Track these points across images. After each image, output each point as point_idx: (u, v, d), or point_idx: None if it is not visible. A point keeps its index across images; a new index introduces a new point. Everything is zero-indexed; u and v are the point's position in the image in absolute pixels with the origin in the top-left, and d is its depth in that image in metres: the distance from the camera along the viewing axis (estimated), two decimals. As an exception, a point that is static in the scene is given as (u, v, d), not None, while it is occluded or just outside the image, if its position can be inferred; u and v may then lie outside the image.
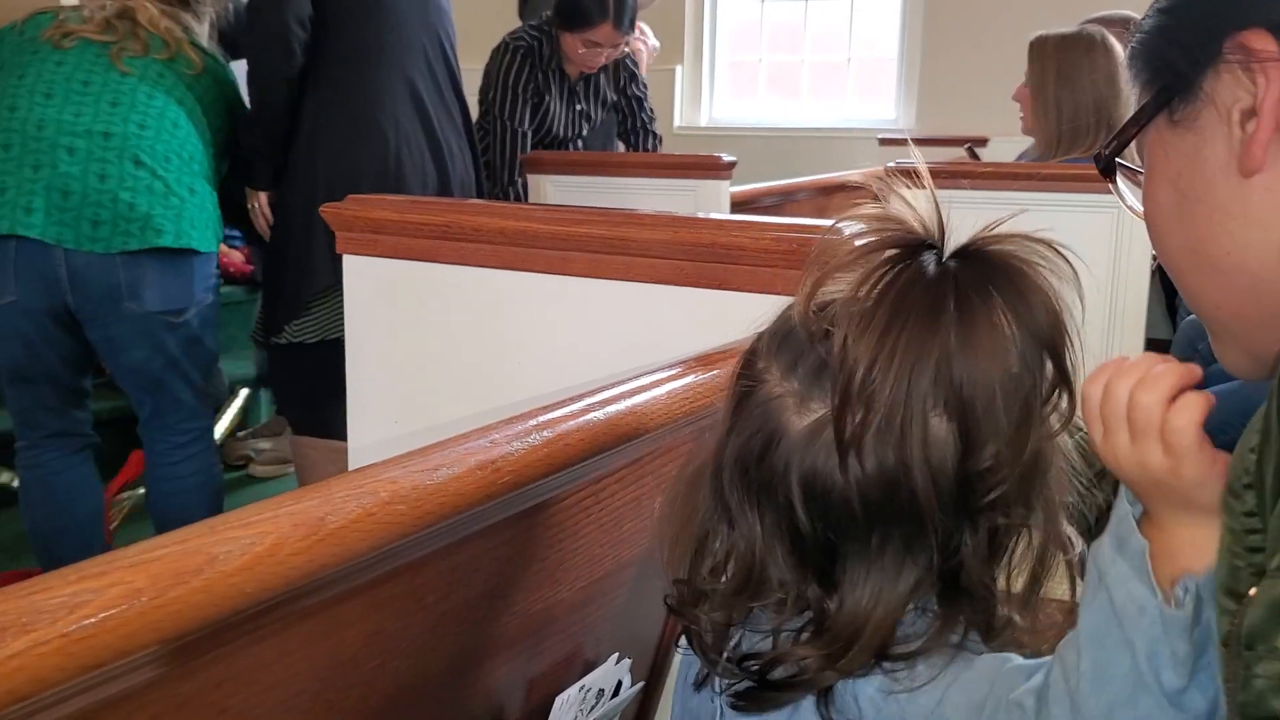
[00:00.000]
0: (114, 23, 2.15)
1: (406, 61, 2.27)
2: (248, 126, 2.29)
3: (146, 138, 2.08)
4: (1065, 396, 0.69)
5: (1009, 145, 3.95)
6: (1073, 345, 0.69)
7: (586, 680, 1.01)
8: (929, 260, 0.68)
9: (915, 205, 0.71)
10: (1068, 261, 0.69)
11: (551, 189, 3.04)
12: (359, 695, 0.76)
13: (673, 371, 0.96)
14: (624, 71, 3.34)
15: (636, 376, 0.93)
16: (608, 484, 0.94)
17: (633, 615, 1.11)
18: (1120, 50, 2.64)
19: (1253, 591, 0.57)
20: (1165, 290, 4.17)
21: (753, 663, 0.74)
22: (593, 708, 1.02)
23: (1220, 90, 0.68)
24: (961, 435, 0.67)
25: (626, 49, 3.20)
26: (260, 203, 2.37)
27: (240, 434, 3.51)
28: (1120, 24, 3.16)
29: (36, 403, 2.18)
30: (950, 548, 0.70)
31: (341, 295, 1.29)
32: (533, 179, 3.07)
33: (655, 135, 3.48)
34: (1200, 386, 2.22)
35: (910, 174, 0.73)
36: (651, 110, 3.48)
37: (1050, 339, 0.68)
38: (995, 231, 0.70)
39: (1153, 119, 0.73)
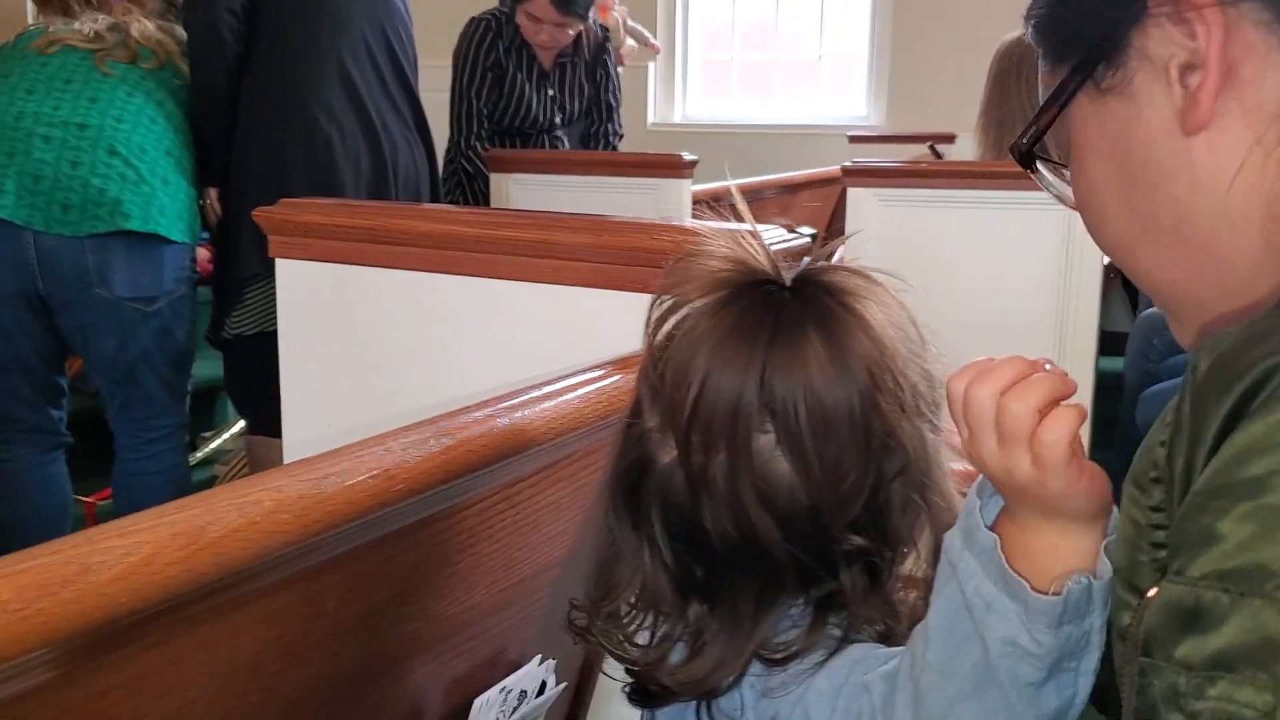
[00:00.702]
0: (104, 34, 2.21)
1: (344, 52, 2.28)
2: (196, 121, 2.29)
3: (123, 130, 2.13)
4: (896, 429, 0.69)
5: (974, 142, 3.97)
6: (902, 373, 0.69)
7: (507, 682, 1.02)
8: (763, 292, 0.70)
9: (760, 238, 0.73)
10: (889, 293, 0.72)
11: (514, 188, 3.04)
12: (259, 701, 0.76)
13: (588, 375, 0.96)
14: (601, 70, 3.34)
15: (550, 381, 0.93)
16: (522, 488, 0.95)
17: (558, 616, 1.11)
18: None
19: (1152, 592, 0.56)
20: (1127, 284, 4.20)
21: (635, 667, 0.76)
22: (515, 709, 1.03)
23: (1151, 46, 0.63)
24: (800, 469, 0.68)
25: (579, 32, 3.18)
26: (211, 198, 2.37)
27: (206, 434, 3.51)
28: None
29: (10, 394, 2.18)
30: (823, 584, 0.71)
31: (275, 285, 1.30)
32: (495, 178, 3.07)
33: (614, 149, 3.49)
34: (1153, 381, 2.22)
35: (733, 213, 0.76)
36: (620, 125, 3.48)
37: (872, 367, 0.68)
38: (824, 264, 0.72)
39: (1075, 94, 0.68)
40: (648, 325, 0.74)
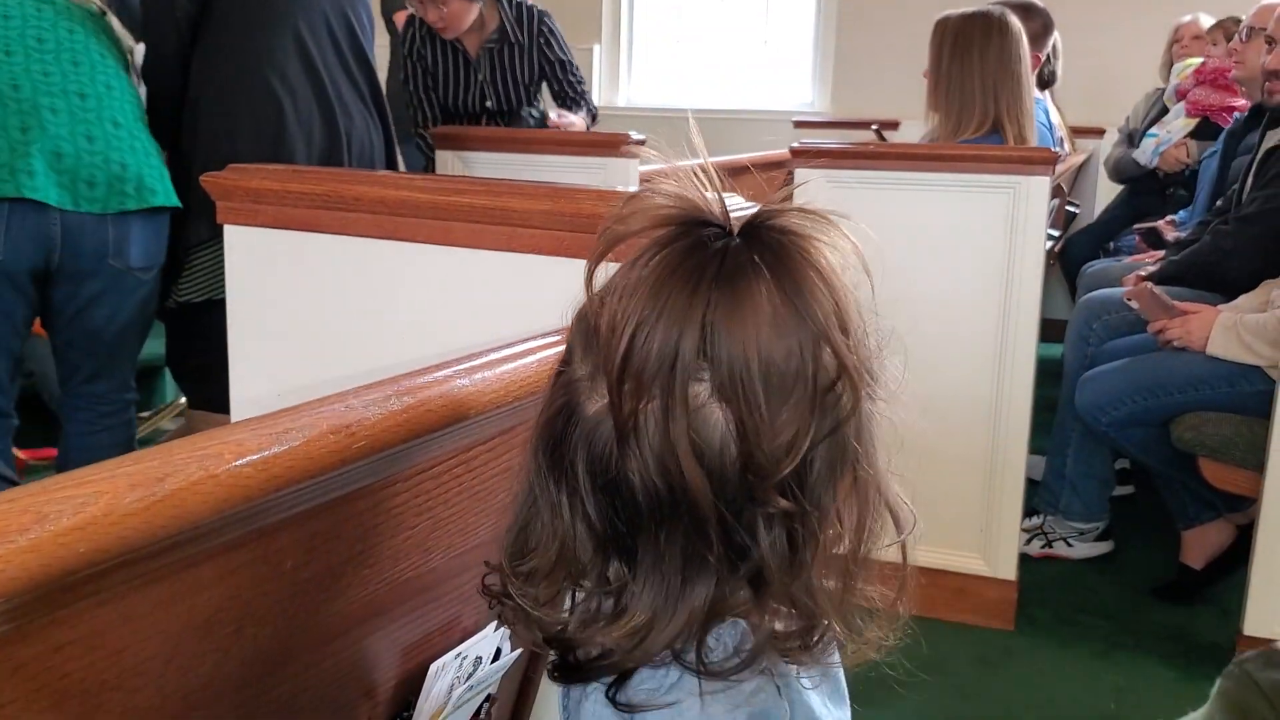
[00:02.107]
0: None
1: (300, 23, 2.25)
2: (147, 83, 2.26)
3: (115, 99, 2.12)
4: (847, 383, 0.66)
5: (921, 127, 4.01)
6: (850, 327, 0.66)
7: (463, 647, 1.01)
8: (709, 234, 0.66)
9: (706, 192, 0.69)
10: (847, 237, 0.67)
11: (460, 165, 3.02)
12: (214, 661, 0.75)
13: (545, 340, 0.96)
14: (542, 44, 3.34)
15: (508, 345, 0.93)
16: (479, 452, 0.95)
17: (512, 584, 1.11)
18: (1020, 30, 2.68)
19: None
20: (1066, 274, 4.27)
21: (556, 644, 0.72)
22: (470, 674, 1.03)
23: None
24: (736, 420, 0.64)
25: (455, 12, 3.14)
26: None
27: (144, 414, 3.45)
28: (1023, 9, 3.22)
29: None
30: (742, 545, 0.67)
31: (222, 250, 1.28)
32: (441, 154, 3.05)
33: (587, 104, 3.48)
34: (1092, 365, 2.28)
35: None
36: (578, 77, 3.47)
37: (823, 321, 0.65)
38: (775, 205, 0.68)
39: None
40: (590, 263, 0.71)
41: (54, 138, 2.02)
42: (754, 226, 0.67)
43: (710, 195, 0.69)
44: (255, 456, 0.65)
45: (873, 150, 2.77)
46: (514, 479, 0.75)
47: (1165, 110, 4.14)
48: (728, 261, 0.64)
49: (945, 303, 2.56)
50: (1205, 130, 3.81)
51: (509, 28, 3.26)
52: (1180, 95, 3.97)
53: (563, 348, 0.97)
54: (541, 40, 3.33)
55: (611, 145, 2.95)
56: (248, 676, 0.80)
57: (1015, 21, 2.65)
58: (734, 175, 2.49)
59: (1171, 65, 4.24)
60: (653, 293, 0.64)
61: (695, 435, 0.64)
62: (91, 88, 2.09)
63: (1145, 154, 4.01)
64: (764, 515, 0.66)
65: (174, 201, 2.19)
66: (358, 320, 1.24)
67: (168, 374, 3.69)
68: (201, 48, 2.21)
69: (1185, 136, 3.88)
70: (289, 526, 0.76)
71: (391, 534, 0.88)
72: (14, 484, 2.29)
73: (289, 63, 2.23)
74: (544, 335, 0.97)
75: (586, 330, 0.70)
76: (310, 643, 0.85)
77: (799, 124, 4.96)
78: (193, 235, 2.20)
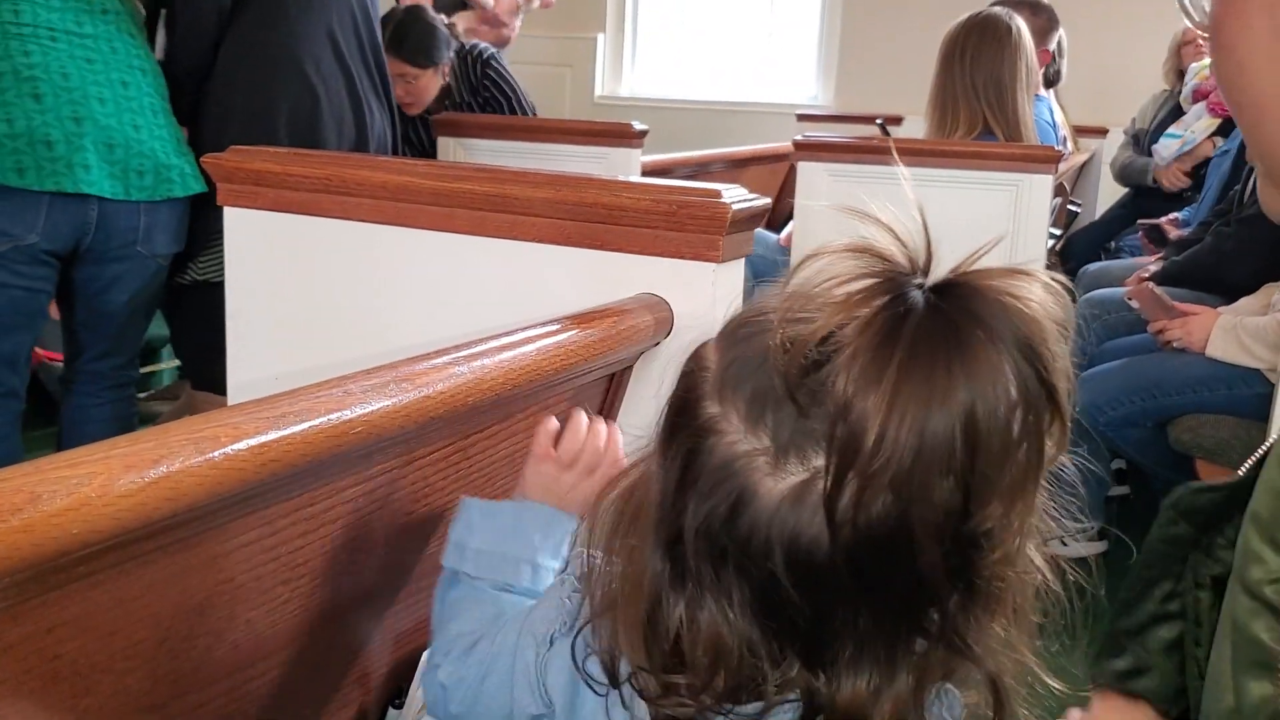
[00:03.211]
0: None
1: (331, 16, 2.25)
2: (173, 60, 2.22)
3: (150, 86, 2.11)
4: (1059, 432, 0.60)
5: (924, 124, 4.00)
6: (1060, 381, 0.60)
7: (456, 637, 1.01)
8: (916, 297, 0.59)
9: (895, 230, 0.62)
10: (1061, 293, 0.61)
11: (462, 152, 3.01)
12: (206, 645, 0.75)
13: (547, 329, 0.95)
14: (485, 92, 3.16)
15: (508, 333, 0.92)
16: (477, 439, 0.94)
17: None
18: (1025, 32, 2.67)
19: None
20: (1066, 273, 4.26)
21: None
22: (462, 664, 1.02)
23: None
24: (964, 491, 0.58)
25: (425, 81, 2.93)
26: None
27: (141, 396, 3.45)
28: (1029, 6, 3.21)
29: (3, 357, 2.13)
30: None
31: None
32: (443, 141, 3.03)
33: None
34: (1090, 365, 2.27)
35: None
36: (524, 109, 3.22)
37: (1046, 376, 0.59)
38: (979, 265, 0.62)
39: None
40: (777, 327, 0.61)
41: (105, 128, 2.03)
42: (966, 286, 0.60)
43: (899, 242, 0.62)
44: (252, 441, 0.64)
45: (876, 145, 2.76)
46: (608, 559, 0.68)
47: (1177, 111, 4.12)
48: (962, 331, 0.58)
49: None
50: (1227, 129, 3.80)
51: (457, 88, 3.09)
52: (1200, 96, 3.95)
53: (564, 337, 0.97)
54: (485, 94, 3.18)
55: (614, 135, 2.93)
56: (240, 660, 0.79)
57: (1014, 24, 2.63)
58: (737, 167, 2.49)
59: (1179, 68, 4.22)
60: (897, 380, 0.56)
61: (935, 515, 0.58)
62: (130, 74, 2.09)
63: (1166, 154, 4.00)
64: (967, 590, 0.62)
65: (204, 188, 2.18)
66: (357, 306, 1.23)
67: (164, 355, 3.69)
68: (237, 29, 2.19)
69: (1209, 136, 3.87)
70: (284, 510, 0.75)
71: (387, 521, 0.87)
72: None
73: (323, 53, 2.22)
74: (542, 324, 0.96)
75: (761, 399, 0.61)
76: (303, 627, 0.84)
77: (802, 117, 4.93)
78: (217, 218, 2.19)
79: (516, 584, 0.81)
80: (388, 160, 1.24)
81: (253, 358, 1.27)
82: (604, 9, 6.23)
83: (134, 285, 2.18)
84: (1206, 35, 0.67)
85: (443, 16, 3.00)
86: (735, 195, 1.06)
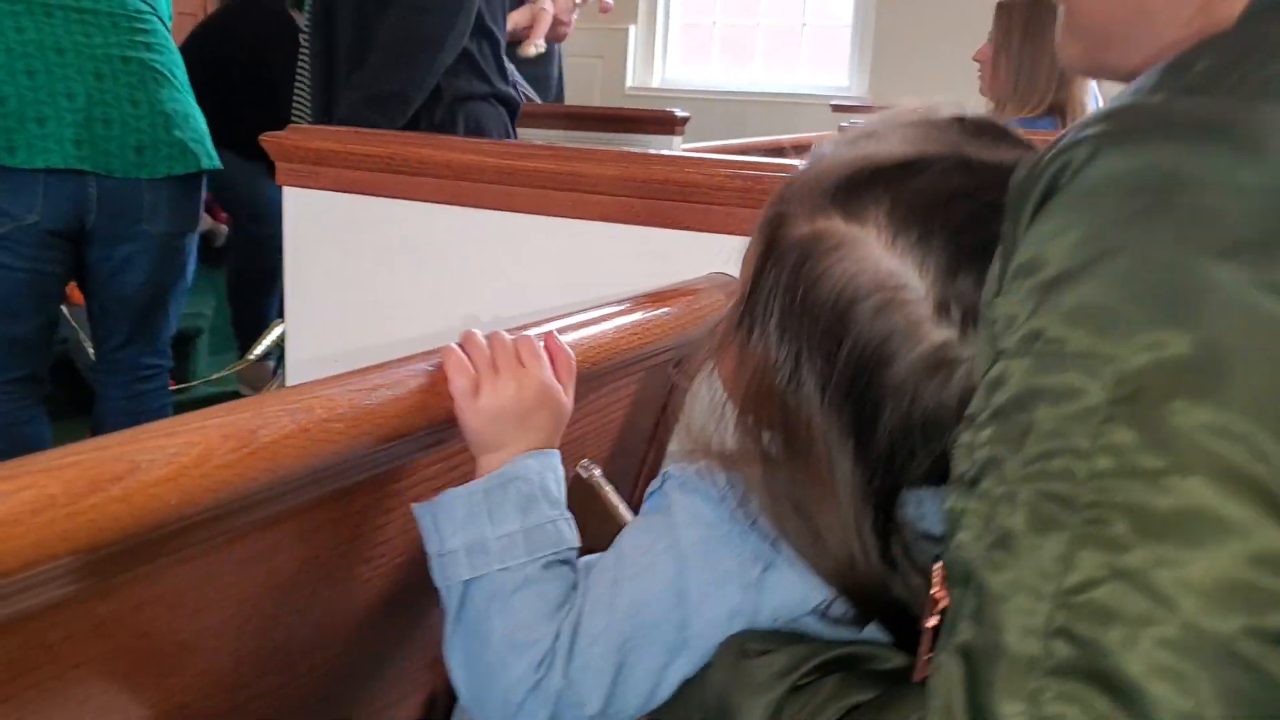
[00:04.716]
0: None
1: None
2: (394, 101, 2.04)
3: (156, 59, 2.10)
4: None
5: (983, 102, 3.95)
6: None
7: (526, 621, 0.99)
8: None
9: None
10: None
11: (500, 140, 3.00)
12: (289, 624, 0.73)
13: (622, 306, 0.94)
14: None
15: (584, 310, 0.90)
16: (551, 418, 0.92)
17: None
18: None
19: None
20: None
21: None
22: (532, 649, 1.00)
23: None
24: None
25: None
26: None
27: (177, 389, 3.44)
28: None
29: (13, 341, 2.12)
30: None
31: None
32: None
33: None
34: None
35: None
36: None
37: None
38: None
39: None
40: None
41: (100, 104, 2.01)
42: None
43: None
44: (345, 412, 0.62)
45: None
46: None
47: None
48: None
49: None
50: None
51: None
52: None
53: (639, 316, 0.94)
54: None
55: (655, 122, 2.91)
56: (318, 641, 0.78)
57: None
58: (774, 156, 2.44)
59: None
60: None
61: None
62: (133, 51, 2.07)
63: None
64: None
65: (213, 165, 2.17)
66: (416, 286, 1.21)
67: (202, 342, 3.68)
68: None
69: None
70: (368, 486, 0.73)
71: (464, 500, 0.85)
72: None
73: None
74: (619, 302, 0.95)
75: (944, 247, 0.61)
76: (381, 608, 0.82)
77: (836, 108, 4.90)
78: None
79: (564, 542, 0.73)
80: (450, 139, 1.22)
81: (312, 336, 1.25)
82: (636, 1, 6.20)
83: (146, 266, 2.15)
84: None
85: None
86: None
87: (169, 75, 2.12)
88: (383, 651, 0.85)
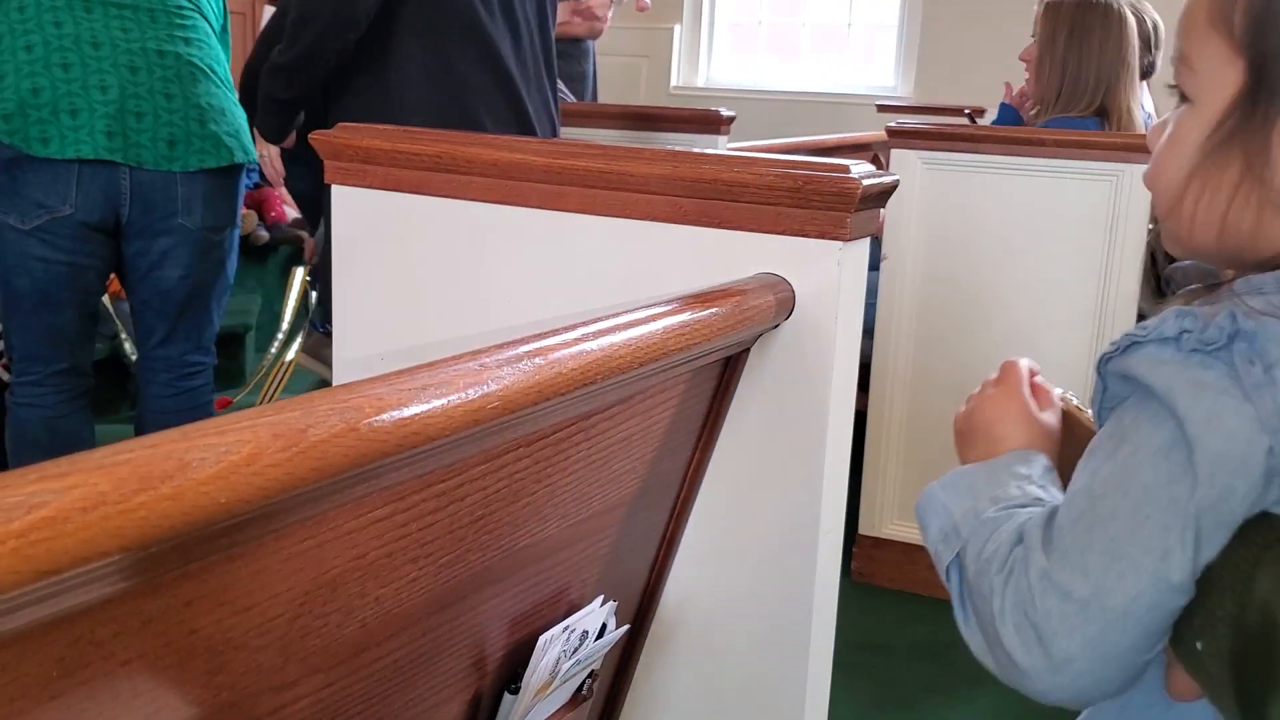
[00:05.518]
0: None
1: (495, 36, 2.14)
2: (282, 74, 2.12)
3: (194, 54, 2.13)
4: None
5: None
6: None
7: (571, 621, 0.99)
8: None
9: None
10: None
11: (545, 140, 3.00)
12: (336, 622, 0.73)
13: (670, 307, 0.93)
14: None
15: (631, 310, 0.90)
16: (598, 420, 0.92)
17: (619, 558, 1.08)
18: (1133, 22, 2.60)
19: None
20: (1153, 265, 4.16)
21: None
22: (576, 649, 1.00)
23: None
24: None
25: None
26: (272, 155, 2.31)
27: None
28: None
29: (54, 332, 2.14)
30: None
31: None
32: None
33: None
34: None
35: None
36: None
37: None
38: None
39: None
40: None
41: (134, 96, 2.03)
42: None
43: None
44: (395, 413, 0.62)
45: (971, 133, 2.71)
46: None
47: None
48: None
49: (1039, 290, 2.50)
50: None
51: None
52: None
53: (686, 316, 0.94)
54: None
55: (700, 122, 2.90)
56: (365, 640, 0.78)
57: (1130, 14, 2.57)
58: (821, 155, 2.44)
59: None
60: None
61: None
62: (170, 45, 2.09)
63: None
64: None
65: (248, 159, 2.18)
66: (464, 285, 1.21)
67: (250, 340, 3.71)
68: (398, 61, 2.09)
69: None
70: (417, 486, 0.73)
71: (511, 499, 0.85)
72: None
73: (487, 87, 2.17)
74: (667, 302, 0.94)
75: None
76: (427, 607, 0.82)
77: (883, 108, 4.87)
78: None
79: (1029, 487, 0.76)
80: (499, 138, 1.21)
81: (359, 336, 1.26)
82: (682, 0, 6.19)
83: (185, 261, 2.17)
84: None
85: None
86: (864, 170, 1.03)
87: (207, 70, 2.14)
88: (428, 651, 0.85)
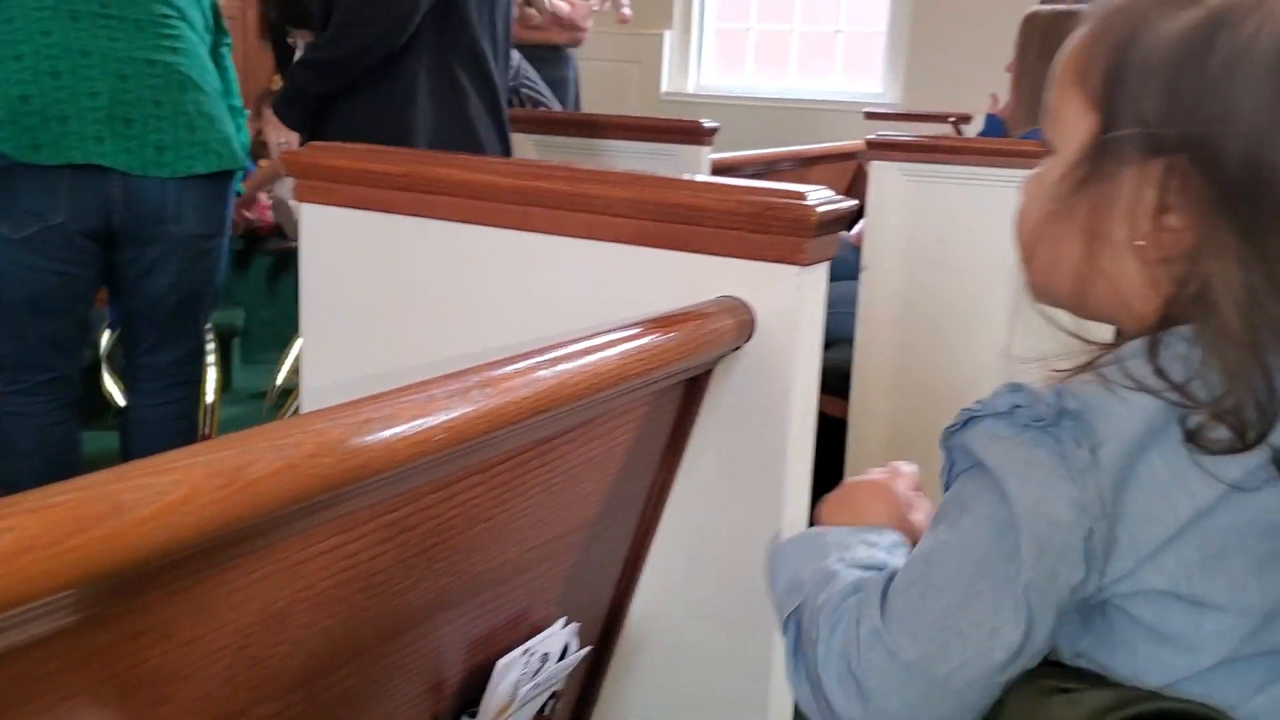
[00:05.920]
0: None
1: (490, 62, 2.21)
2: (321, 69, 2.13)
3: (182, 63, 2.13)
4: None
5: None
6: None
7: (531, 644, 0.99)
8: None
9: None
10: None
11: (533, 149, 3.00)
12: (285, 653, 0.73)
13: (629, 332, 0.93)
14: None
15: (590, 336, 0.90)
16: (558, 444, 0.92)
17: (583, 578, 1.09)
18: None
19: None
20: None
21: None
22: (537, 671, 1.00)
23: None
24: None
25: None
26: (292, 141, 2.28)
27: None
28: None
29: (45, 341, 2.14)
30: None
31: None
32: (515, 138, 3.03)
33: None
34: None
35: None
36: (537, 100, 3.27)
37: None
38: None
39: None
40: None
41: (123, 103, 2.04)
42: None
43: None
44: (336, 447, 0.63)
45: (950, 144, 2.71)
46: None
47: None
48: None
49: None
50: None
51: None
52: None
53: (645, 341, 0.94)
54: (525, 90, 3.21)
55: (683, 133, 2.91)
56: (316, 669, 0.78)
57: None
58: (804, 165, 2.45)
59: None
60: None
61: None
62: (158, 54, 2.09)
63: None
64: None
65: (238, 165, 2.18)
66: (433, 305, 1.22)
67: (237, 346, 3.71)
68: (424, 78, 2.14)
69: None
70: (364, 518, 0.74)
71: (466, 526, 0.85)
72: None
73: (482, 117, 2.22)
74: (625, 327, 0.94)
75: None
76: (380, 635, 0.83)
77: (870, 115, 4.87)
78: None
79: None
80: (467, 158, 1.22)
81: (328, 358, 1.26)
82: (671, 6, 6.20)
83: (175, 268, 2.17)
84: None
85: None
86: (821, 197, 1.04)
87: (194, 79, 2.14)
88: (382, 677, 0.86)
